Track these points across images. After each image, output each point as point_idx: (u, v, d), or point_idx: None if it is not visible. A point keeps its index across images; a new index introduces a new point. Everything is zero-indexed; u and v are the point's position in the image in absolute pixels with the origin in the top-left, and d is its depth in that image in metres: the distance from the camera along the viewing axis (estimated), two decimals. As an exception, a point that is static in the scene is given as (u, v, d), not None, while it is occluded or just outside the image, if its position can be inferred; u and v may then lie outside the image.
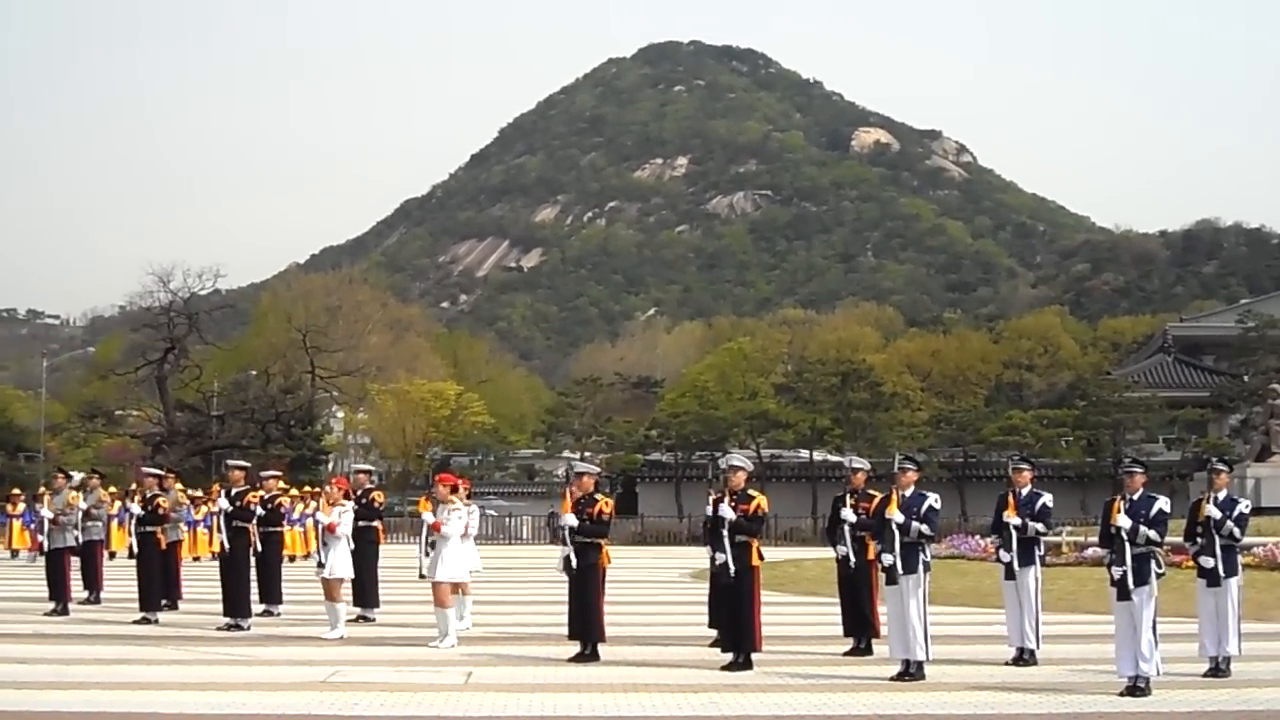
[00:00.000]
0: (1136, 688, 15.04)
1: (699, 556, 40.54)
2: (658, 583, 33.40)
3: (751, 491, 17.58)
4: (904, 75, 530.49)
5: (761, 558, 17.41)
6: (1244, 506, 17.31)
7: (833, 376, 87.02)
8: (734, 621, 17.28)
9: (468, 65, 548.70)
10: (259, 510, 23.14)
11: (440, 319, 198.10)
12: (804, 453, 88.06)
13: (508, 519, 74.08)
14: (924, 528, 16.76)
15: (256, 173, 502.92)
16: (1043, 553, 18.64)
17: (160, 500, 24.70)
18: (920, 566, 16.71)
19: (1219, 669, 16.57)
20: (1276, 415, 52.11)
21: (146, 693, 14.84)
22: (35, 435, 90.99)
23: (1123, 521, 15.55)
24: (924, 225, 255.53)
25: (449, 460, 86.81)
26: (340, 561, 21.34)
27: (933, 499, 17.08)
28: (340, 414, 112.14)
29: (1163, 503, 15.92)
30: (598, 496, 18.74)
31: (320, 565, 22.36)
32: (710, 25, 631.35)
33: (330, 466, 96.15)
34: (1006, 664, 17.42)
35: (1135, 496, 15.95)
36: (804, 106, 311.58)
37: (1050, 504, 18.68)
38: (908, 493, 17.06)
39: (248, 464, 24.76)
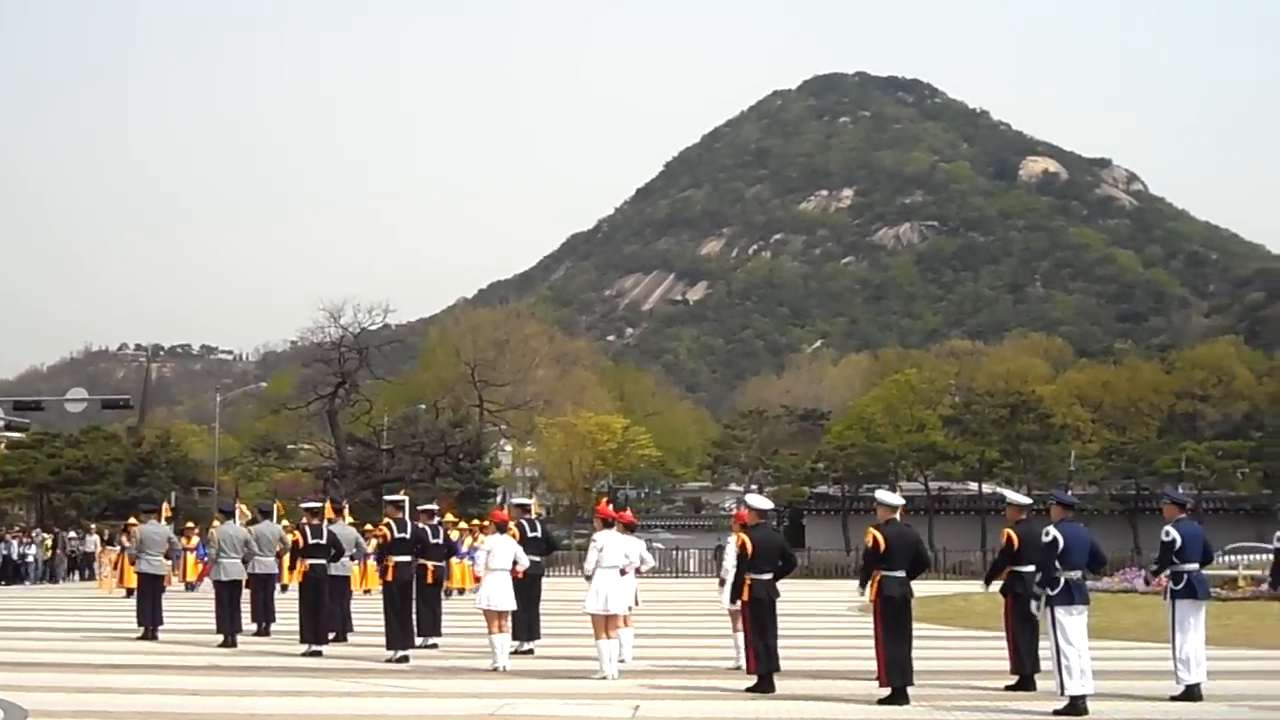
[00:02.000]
0: None
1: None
2: (824, 616, 33.26)
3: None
4: (1072, 103, 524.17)
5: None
6: None
7: (1001, 408, 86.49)
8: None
9: (633, 99, 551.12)
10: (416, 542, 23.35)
11: (606, 352, 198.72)
12: (972, 485, 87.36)
13: (674, 551, 74.08)
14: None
15: (425, 209, 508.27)
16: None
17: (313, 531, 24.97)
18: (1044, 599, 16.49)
19: None
20: None
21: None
22: (209, 469, 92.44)
23: None
24: (1094, 254, 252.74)
25: (616, 493, 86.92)
26: (500, 593, 21.18)
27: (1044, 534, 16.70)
28: (508, 447, 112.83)
29: None
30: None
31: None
32: (875, 56, 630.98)
33: (499, 500, 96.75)
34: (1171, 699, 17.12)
35: None
36: (970, 136, 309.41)
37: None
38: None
39: (403, 499, 24.82)
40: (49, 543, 61.82)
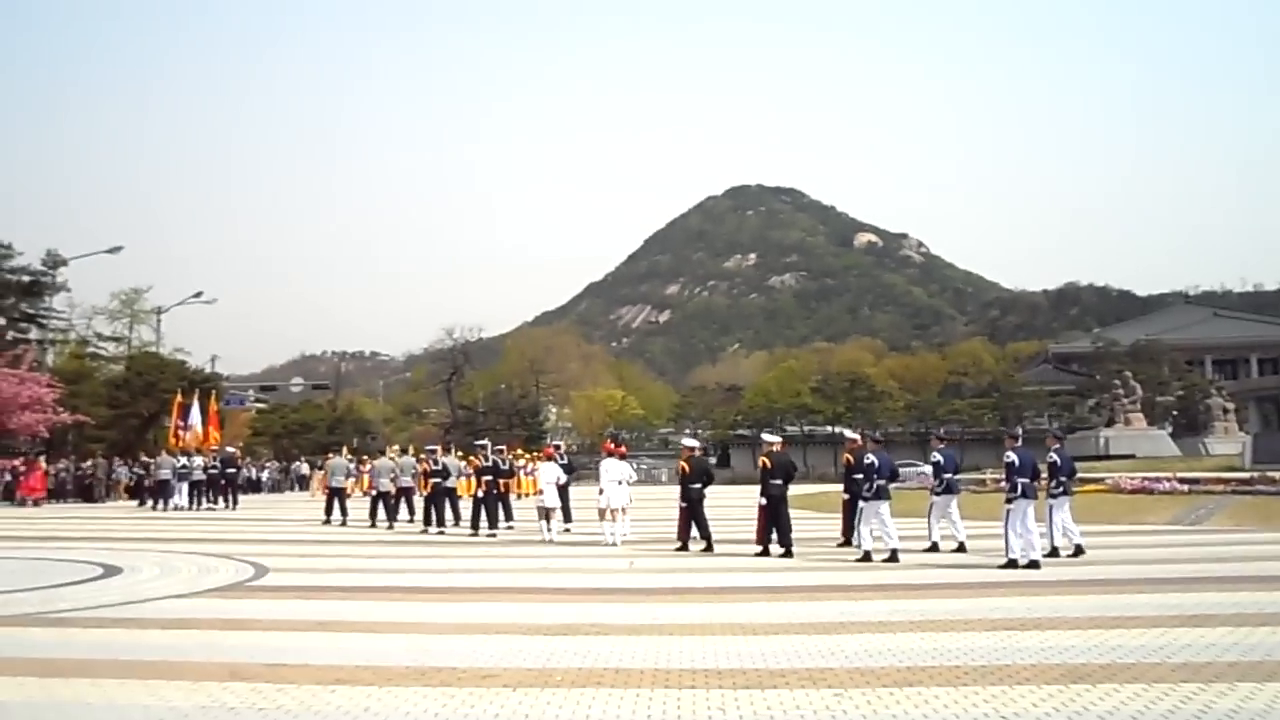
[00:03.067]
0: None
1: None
2: (741, 507, 33.28)
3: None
4: (887, 194, 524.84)
5: None
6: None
7: (845, 382, 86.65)
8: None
9: (627, 201, 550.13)
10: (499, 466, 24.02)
11: (611, 353, 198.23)
12: (829, 428, 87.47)
13: (652, 470, 73.96)
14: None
15: (505, 262, 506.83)
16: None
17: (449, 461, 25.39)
18: (874, 494, 16.40)
19: (1055, 552, 15.99)
20: (1117, 399, 51.21)
21: (483, 574, 15.03)
22: (377, 425, 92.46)
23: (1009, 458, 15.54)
24: (899, 290, 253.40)
25: (617, 436, 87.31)
26: (550, 496, 21.33)
27: (871, 457, 16.63)
28: (553, 410, 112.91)
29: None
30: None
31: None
32: (768, 171, 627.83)
33: (547, 440, 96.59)
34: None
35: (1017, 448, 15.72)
36: (825, 220, 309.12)
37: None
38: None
39: (486, 443, 25.05)
40: (280, 468, 61.92)
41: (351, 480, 32.38)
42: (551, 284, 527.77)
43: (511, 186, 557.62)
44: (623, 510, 19.85)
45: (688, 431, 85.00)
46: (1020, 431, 16.82)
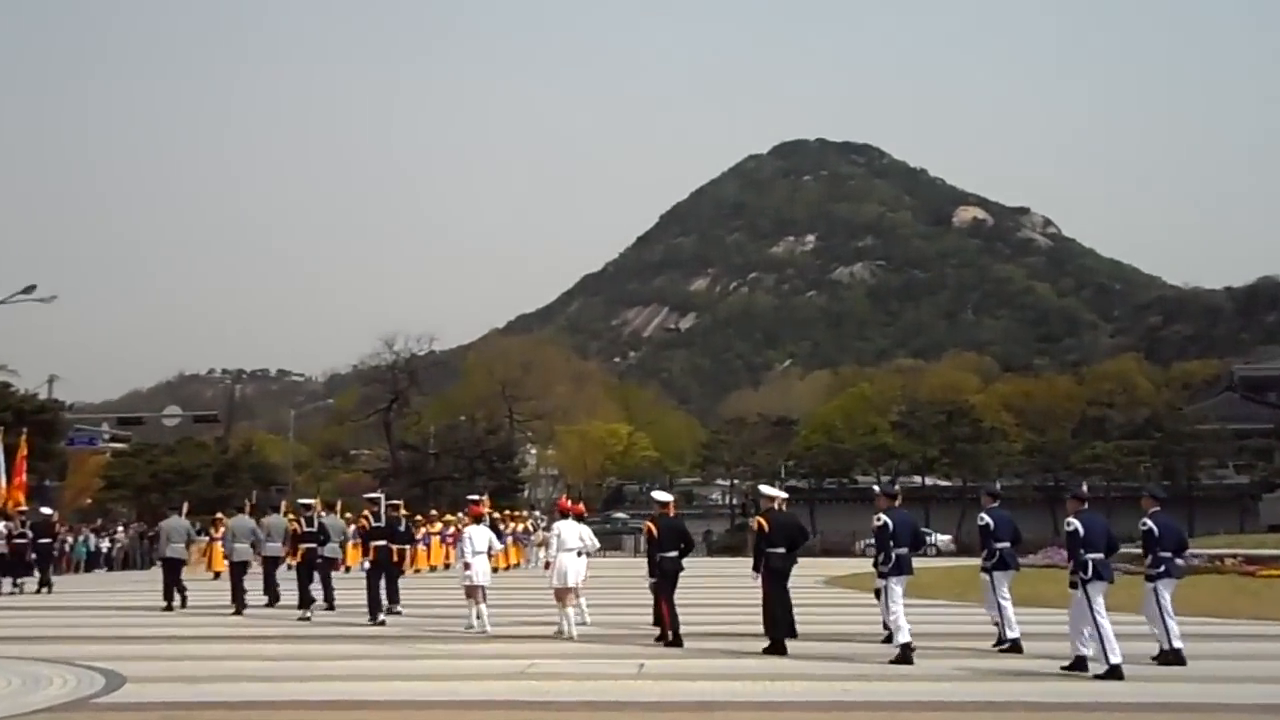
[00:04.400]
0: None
1: (831, 566, 40.18)
2: (796, 588, 33.00)
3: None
4: (997, 159, 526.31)
5: None
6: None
7: (940, 414, 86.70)
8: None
9: (634, 161, 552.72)
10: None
11: (613, 372, 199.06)
12: (916, 478, 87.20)
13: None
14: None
15: (464, 253, 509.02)
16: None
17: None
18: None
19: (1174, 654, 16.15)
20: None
21: (375, 683, 14.84)
22: (285, 471, 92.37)
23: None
24: (1015, 287, 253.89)
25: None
26: (480, 571, 21.50)
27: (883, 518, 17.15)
28: (533, 450, 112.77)
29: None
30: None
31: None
32: (832, 123, 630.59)
33: (525, 494, 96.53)
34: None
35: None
36: (912, 190, 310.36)
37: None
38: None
39: (379, 496, 26.09)
40: (141, 533, 61.62)
41: (197, 546, 32.12)
42: (531, 278, 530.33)
43: (472, 143, 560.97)
44: (577, 589, 20.29)
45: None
46: (1085, 489, 16.86)
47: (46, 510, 41.76)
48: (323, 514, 27.86)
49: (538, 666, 16.24)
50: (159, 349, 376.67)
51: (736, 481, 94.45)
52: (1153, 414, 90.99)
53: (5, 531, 37.28)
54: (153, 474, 78.93)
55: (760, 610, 18.20)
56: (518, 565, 48.93)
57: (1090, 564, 15.41)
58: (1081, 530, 15.55)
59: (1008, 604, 17.80)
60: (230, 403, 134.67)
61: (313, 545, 26.01)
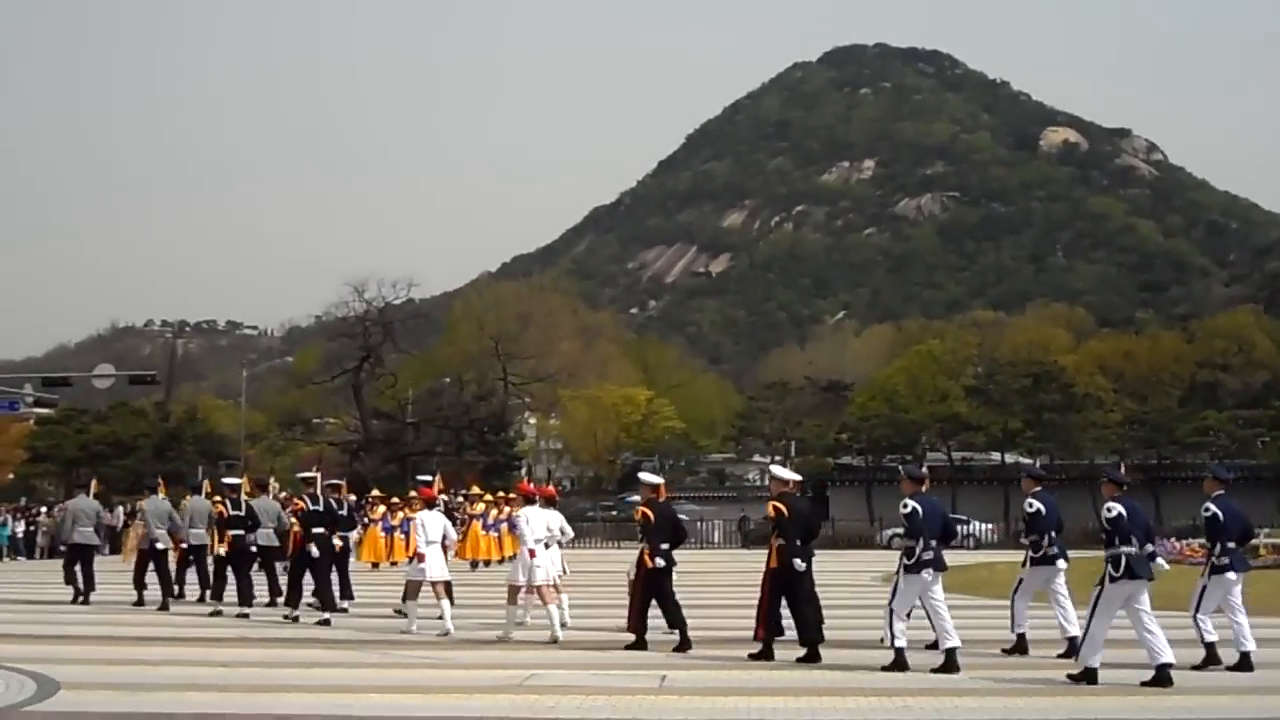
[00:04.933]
0: None
1: (891, 560, 40.41)
2: (849, 586, 33.21)
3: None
4: (1092, 73, 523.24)
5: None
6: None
7: (1024, 378, 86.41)
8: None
9: (654, 73, 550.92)
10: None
11: (629, 325, 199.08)
12: (995, 455, 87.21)
13: (699, 523, 73.90)
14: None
15: (447, 184, 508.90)
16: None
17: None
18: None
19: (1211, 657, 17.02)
20: None
21: (346, 695, 15.04)
22: (236, 444, 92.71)
23: None
24: (1114, 224, 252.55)
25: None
26: (435, 564, 22.42)
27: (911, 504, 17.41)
28: (533, 420, 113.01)
29: None
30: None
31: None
32: (895, 27, 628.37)
33: (524, 472, 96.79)
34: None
35: None
36: (991, 106, 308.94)
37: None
38: None
39: (315, 475, 26.54)
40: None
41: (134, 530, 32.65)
42: (529, 211, 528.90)
43: (454, 45, 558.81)
44: (555, 586, 20.96)
45: (778, 459, 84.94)
46: (1123, 472, 17.56)
47: None
48: (255, 496, 28.70)
49: (539, 678, 16.39)
50: (88, 297, 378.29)
51: (778, 458, 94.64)
52: (1272, 378, 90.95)
53: None
54: (82, 445, 79.62)
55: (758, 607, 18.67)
56: (514, 557, 49.14)
57: (1124, 558, 16.02)
58: (1124, 513, 16.19)
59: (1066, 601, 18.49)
60: (172, 361, 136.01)
61: (240, 532, 27.03)
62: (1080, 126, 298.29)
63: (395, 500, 45.46)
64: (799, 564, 18.21)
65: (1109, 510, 16.28)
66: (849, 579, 35.83)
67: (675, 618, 19.30)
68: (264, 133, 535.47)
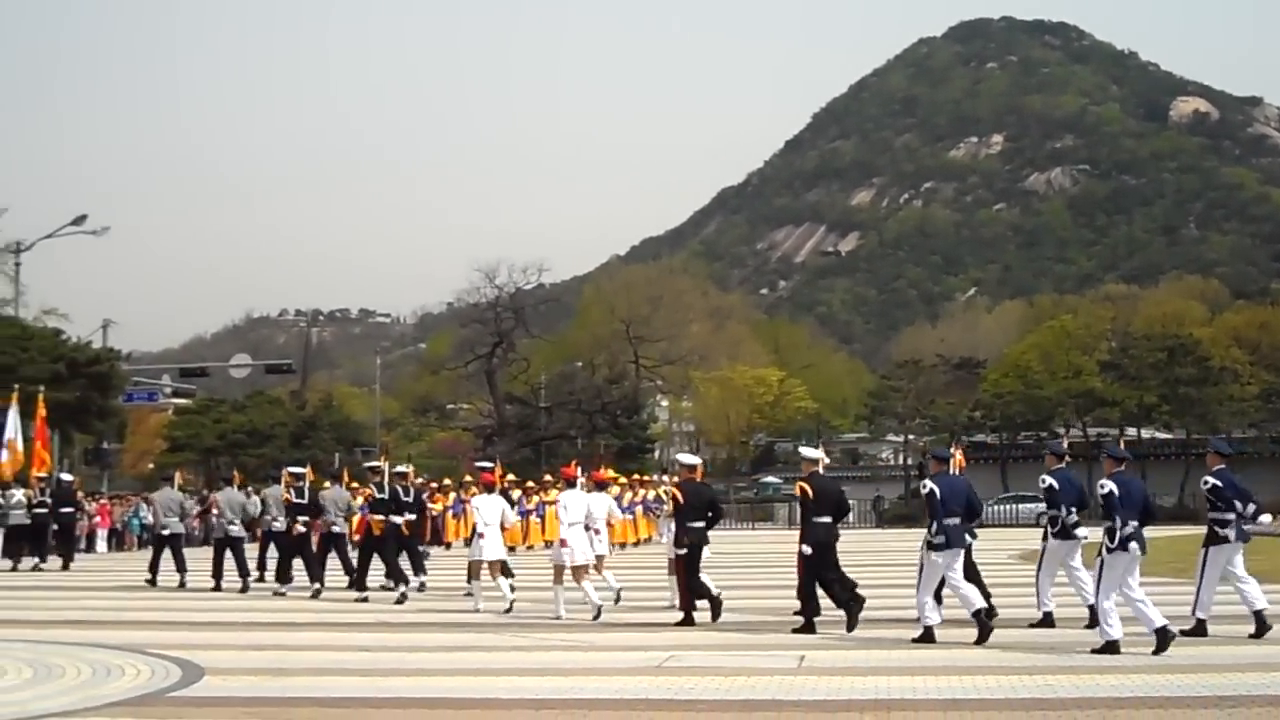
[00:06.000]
0: None
1: (1027, 538, 39.97)
2: (984, 565, 32.94)
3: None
4: (1221, 42, 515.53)
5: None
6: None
7: (1159, 352, 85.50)
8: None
9: (780, 51, 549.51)
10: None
11: (759, 306, 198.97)
12: (1131, 430, 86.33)
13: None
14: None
15: (575, 167, 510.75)
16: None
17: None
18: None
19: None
20: None
21: (487, 678, 15.11)
22: (371, 431, 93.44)
23: None
24: (1248, 194, 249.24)
25: (772, 448, 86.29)
26: (492, 544, 23.24)
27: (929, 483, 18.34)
28: (664, 403, 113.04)
29: None
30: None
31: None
32: (1020, 0, 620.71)
33: (656, 455, 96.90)
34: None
35: None
36: (1119, 78, 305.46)
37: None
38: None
39: (381, 464, 28.68)
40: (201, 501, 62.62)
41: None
42: (658, 194, 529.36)
43: (582, 29, 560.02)
44: (597, 565, 22.49)
45: (926, 440, 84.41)
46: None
47: (67, 477, 44.40)
48: (321, 486, 30.28)
49: (678, 659, 16.39)
50: (224, 288, 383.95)
51: (911, 437, 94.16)
52: None
53: (25, 501, 39.37)
54: (220, 434, 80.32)
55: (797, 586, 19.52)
56: (648, 540, 49.10)
57: (1116, 533, 16.52)
58: (1115, 491, 16.65)
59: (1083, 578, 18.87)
60: (306, 349, 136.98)
61: (307, 519, 28.46)
62: (1211, 96, 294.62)
63: (530, 484, 45.72)
64: (806, 549, 18.97)
65: (1102, 487, 16.78)
66: (988, 557, 35.52)
67: (702, 589, 20.28)
68: (395, 120, 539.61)
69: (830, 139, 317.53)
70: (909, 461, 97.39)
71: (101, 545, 50.86)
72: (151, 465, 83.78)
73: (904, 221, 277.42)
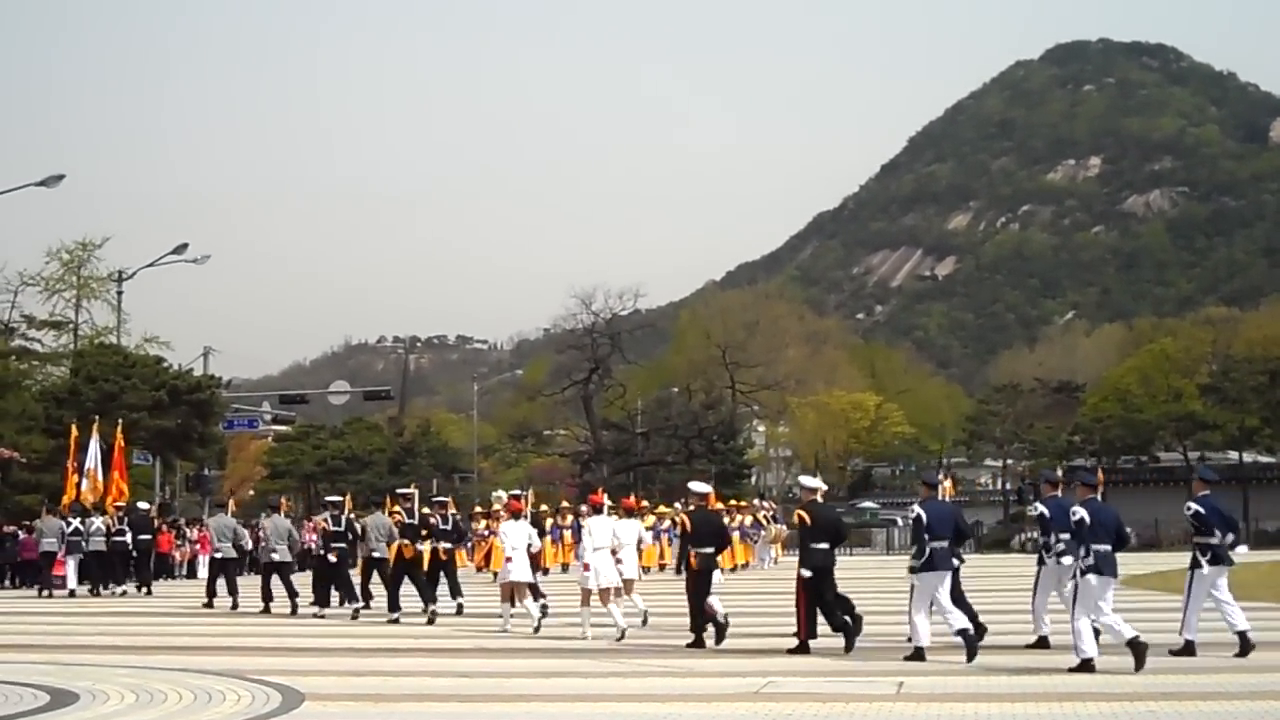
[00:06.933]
0: None
1: (1130, 562, 39.64)
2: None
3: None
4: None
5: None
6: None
7: (1260, 375, 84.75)
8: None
9: (874, 75, 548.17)
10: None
11: (856, 330, 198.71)
12: (1233, 454, 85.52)
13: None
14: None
15: (672, 194, 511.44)
16: None
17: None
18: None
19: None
20: None
21: (585, 704, 15.18)
22: (469, 456, 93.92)
23: None
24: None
25: (870, 472, 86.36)
26: (519, 567, 24.54)
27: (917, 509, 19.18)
28: (761, 428, 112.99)
29: None
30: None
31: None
32: (1117, 22, 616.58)
33: (754, 480, 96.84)
34: None
35: None
36: (1218, 99, 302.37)
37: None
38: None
39: (413, 492, 29.36)
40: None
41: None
42: (753, 218, 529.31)
43: (677, 51, 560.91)
44: (625, 586, 23.19)
45: (1008, 461, 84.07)
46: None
47: (144, 505, 45.75)
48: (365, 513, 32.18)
49: (776, 685, 16.39)
50: (323, 315, 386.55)
51: (1010, 461, 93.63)
52: None
53: (104, 529, 40.53)
54: (319, 460, 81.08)
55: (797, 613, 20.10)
56: (746, 565, 49.13)
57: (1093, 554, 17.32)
58: (1088, 518, 17.44)
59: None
60: (404, 376, 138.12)
61: (342, 545, 30.32)
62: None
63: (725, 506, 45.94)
64: (805, 572, 19.71)
65: (1074, 514, 17.70)
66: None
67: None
68: (495, 147, 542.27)
69: (927, 162, 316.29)
70: (1007, 486, 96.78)
71: (203, 571, 51.34)
72: (251, 492, 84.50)
73: (1001, 245, 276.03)
